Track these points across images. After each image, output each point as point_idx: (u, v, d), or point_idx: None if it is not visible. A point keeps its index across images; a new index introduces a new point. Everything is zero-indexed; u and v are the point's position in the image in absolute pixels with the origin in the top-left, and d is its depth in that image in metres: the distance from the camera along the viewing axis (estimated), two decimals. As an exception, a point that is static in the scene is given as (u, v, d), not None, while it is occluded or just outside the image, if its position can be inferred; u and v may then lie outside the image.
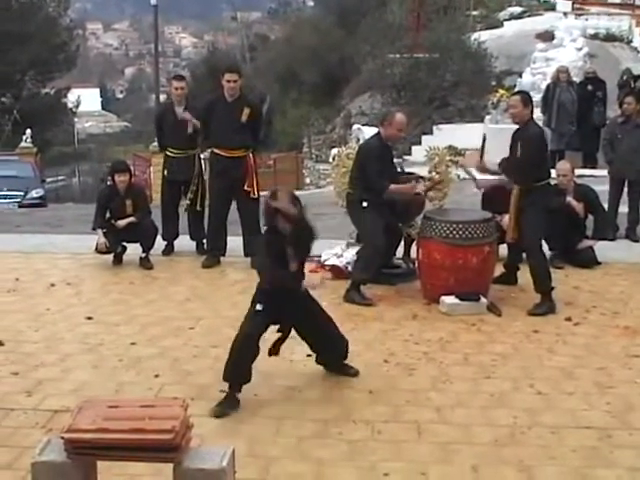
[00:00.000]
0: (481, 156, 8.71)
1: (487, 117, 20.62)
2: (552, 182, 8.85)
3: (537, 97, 18.67)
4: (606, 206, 10.81)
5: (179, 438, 3.78)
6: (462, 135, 19.18)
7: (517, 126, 8.44)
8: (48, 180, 31.49)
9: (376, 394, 6.17)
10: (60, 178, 40.52)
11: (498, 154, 8.67)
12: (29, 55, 38.86)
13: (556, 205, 9.16)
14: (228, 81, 9.80)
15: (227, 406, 5.97)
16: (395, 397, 6.17)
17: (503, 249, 9.06)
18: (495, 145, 8.97)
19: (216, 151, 9.99)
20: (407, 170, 10.29)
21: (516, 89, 18.90)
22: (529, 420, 5.83)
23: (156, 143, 11.41)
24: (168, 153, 10.73)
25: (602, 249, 10.11)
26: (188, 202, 10.59)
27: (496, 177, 8.82)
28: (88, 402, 4.18)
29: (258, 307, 6.22)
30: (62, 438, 3.87)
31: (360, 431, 5.63)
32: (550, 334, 7.60)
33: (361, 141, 13.61)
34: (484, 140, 8.94)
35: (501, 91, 20.98)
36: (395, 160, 9.74)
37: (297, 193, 6.78)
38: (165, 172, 10.82)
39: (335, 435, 5.59)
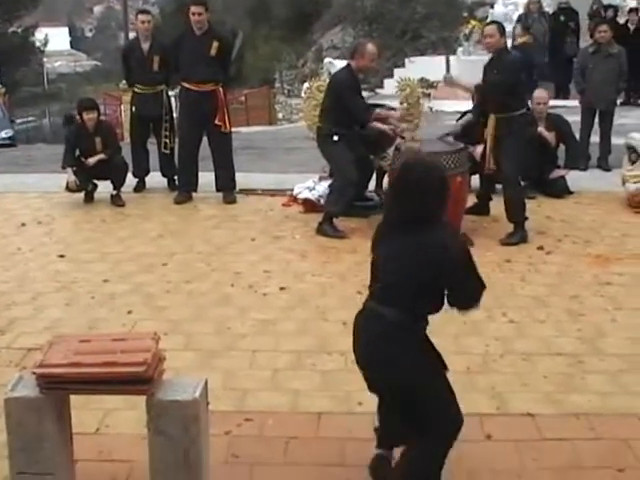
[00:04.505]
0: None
1: (459, 49, 20.49)
2: (528, 112, 8.83)
3: (509, 28, 18.57)
4: (578, 136, 10.82)
5: (151, 370, 3.77)
6: (434, 67, 19.03)
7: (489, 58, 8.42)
8: (18, 121, 31.11)
9: (349, 325, 6.07)
10: (30, 119, 39.95)
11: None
12: (-8, -7, 38.17)
13: (529, 135, 9.14)
14: (194, 14, 9.68)
15: None
16: (369, 327, 6.19)
17: (475, 180, 9.07)
18: (468, 77, 8.92)
19: (185, 85, 9.88)
20: (378, 102, 10.23)
21: (488, 20, 18.79)
22: (501, 348, 5.88)
23: (125, 81, 11.30)
24: (136, 90, 10.62)
25: (574, 178, 10.15)
26: (164, 143, 10.49)
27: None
28: (59, 338, 4.17)
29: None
30: (34, 373, 3.86)
31: (334, 362, 5.66)
32: (522, 263, 7.65)
33: (332, 75, 13.50)
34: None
35: (473, 22, 20.83)
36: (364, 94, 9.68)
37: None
38: (133, 109, 10.72)
39: (309, 366, 5.63)
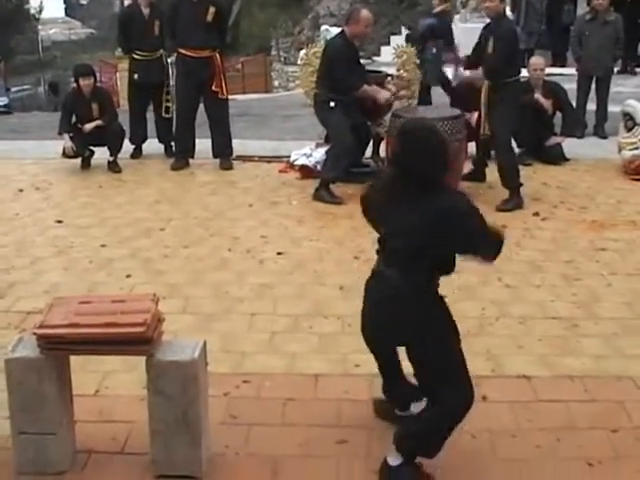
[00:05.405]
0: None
1: (456, 16, 20.40)
2: (522, 79, 8.84)
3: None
4: (574, 103, 10.82)
5: (151, 331, 3.81)
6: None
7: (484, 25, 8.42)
8: (13, 89, 30.98)
9: (346, 290, 6.22)
10: (25, 87, 39.74)
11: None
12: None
13: (525, 101, 9.16)
14: (191, -21, 9.64)
15: None
16: (365, 292, 6.23)
17: (472, 147, 9.08)
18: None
19: (182, 51, 9.84)
20: (375, 69, 10.23)
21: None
22: (497, 311, 5.92)
23: (121, 48, 11.20)
24: (135, 56, 10.50)
25: (570, 146, 10.17)
26: (165, 107, 10.47)
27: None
28: (60, 299, 4.20)
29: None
30: (35, 334, 3.89)
31: (331, 325, 5.71)
32: (518, 229, 7.68)
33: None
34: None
35: (470, -11, 20.71)
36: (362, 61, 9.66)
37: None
38: (135, 76, 10.56)
39: (306, 329, 5.67)
